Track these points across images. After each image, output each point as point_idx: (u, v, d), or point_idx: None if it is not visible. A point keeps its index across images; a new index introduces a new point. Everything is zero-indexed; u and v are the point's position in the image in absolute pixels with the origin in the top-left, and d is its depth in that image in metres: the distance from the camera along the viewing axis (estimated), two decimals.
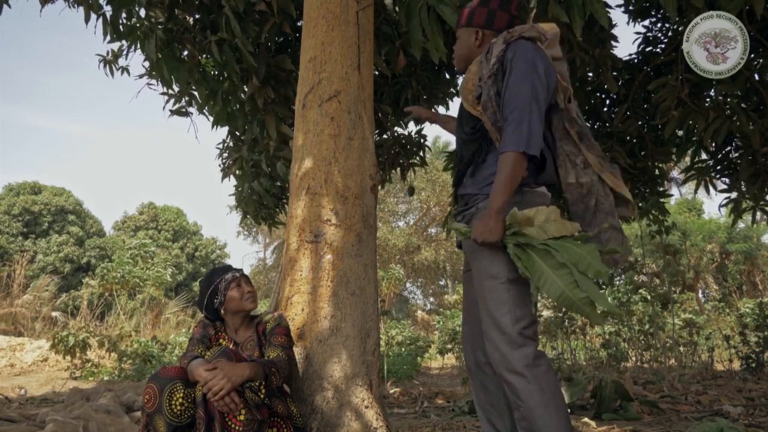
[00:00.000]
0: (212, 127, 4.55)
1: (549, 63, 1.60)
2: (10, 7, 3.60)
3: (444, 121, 2.21)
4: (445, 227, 4.90)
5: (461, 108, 1.79)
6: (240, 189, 5.19)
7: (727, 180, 4.57)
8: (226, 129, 4.96)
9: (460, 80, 5.15)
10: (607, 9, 3.64)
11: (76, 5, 3.77)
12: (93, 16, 3.70)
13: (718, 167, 4.54)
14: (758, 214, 4.40)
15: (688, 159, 4.81)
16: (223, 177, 5.29)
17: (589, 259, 1.44)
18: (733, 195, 4.48)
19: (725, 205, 4.53)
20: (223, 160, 5.30)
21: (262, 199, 4.81)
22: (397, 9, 3.38)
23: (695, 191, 4.74)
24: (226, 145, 5.30)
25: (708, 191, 4.59)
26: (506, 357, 1.51)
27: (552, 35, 1.65)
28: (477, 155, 1.69)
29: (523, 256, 1.49)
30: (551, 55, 1.63)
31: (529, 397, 1.47)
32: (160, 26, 3.56)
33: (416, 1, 2.55)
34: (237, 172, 5.14)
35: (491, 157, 1.66)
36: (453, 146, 5.36)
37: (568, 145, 1.66)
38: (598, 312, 1.41)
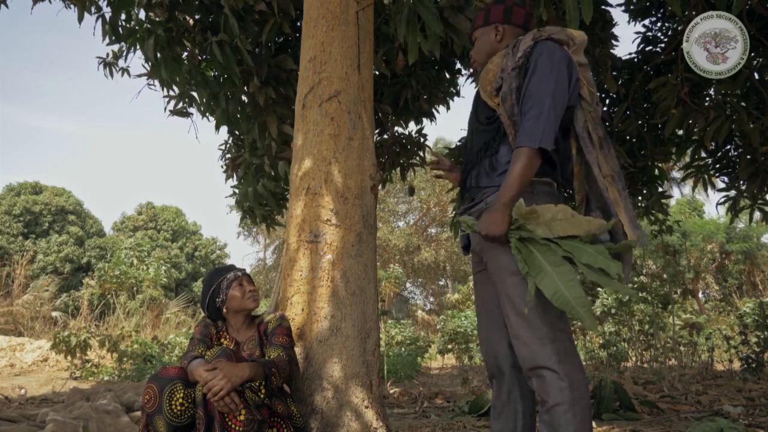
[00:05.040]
0: (216, 130, 4.55)
1: (574, 67, 1.61)
2: (7, 7, 3.60)
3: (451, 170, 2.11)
4: (453, 225, 4.88)
5: (477, 97, 1.78)
6: (239, 191, 5.18)
7: (726, 179, 4.57)
8: (228, 130, 4.97)
9: (460, 80, 5.17)
10: (607, 8, 3.65)
11: (71, 5, 3.76)
12: (93, 17, 3.70)
13: (717, 165, 4.54)
14: (757, 213, 4.40)
15: (687, 157, 4.82)
16: (227, 178, 5.29)
17: (596, 255, 1.42)
18: (732, 193, 4.49)
19: (723, 203, 4.54)
20: (226, 161, 5.30)
21: (264, 201, 4.80)
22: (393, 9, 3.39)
23: (693, 188, 4.74)
24: (228, 146, 5.30)
25: (706, 189, 4.60)
26: (537, 353, 1.49)
27: (580, 42, 1.66)
28: (490, 146, 1.69)
29: (524, 251, 1.47)
30: (577, 60, 1.64)
31: (558, 394, 1.45)
32: (161, 26, 3.55)
33: (400, 2, 2.56)
34: (236, 174, 5.13)
35: (504, 149, 1.66)
36: (453, 147, 5.37)
37: (588, 151, 1.62)
38: (592, 315, 1.39)
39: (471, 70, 4.26)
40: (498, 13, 1.78)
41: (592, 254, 1.42)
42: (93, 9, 3.67)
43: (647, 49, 4.31)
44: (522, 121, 1.55)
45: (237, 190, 5.17)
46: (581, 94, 1.64)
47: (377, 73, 4.14)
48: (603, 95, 4.58)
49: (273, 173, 4.50)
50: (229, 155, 5.27)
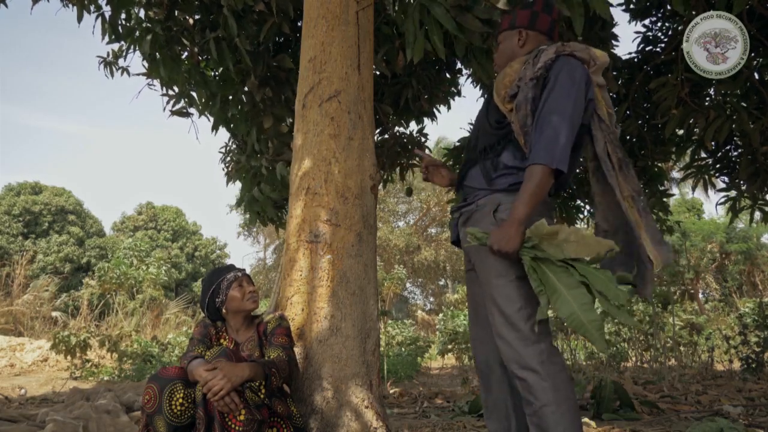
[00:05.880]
0: (212, 130, 4.53)
1: (590, 88, 1.60)
2: (7, 7, 3.60)
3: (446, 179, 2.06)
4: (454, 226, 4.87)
5: (490, 98, 1.78)
6: (242, 195, 5.17)
7: (726, 179, 4.57)
8: (230, 132, 4.96)
9: (461, 80, 5.16)
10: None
11: (70, 5, 3.75)
12: (92, 16, 3.70)
13: (718, 165, 4.54)
14: (757, 213, 4.40)
15: (687, 157, 4.82)
16: (228, 181, 5.29)
17: (607, 282, 1.44)
18: (732, 193, 4.48)
19: (723, 203, 4.54)
20: (226, 164, 5.29)
21: (262, 206, 4.78)
22: (396, 9, 3.38)
23: (693, 189, 4.74)
24: (228, 148, 5.29)
25: (707, 189, 4.61)
26: (520, 354, 1.51)
27: (601, 63, 1.65)
28: (493, 149, 1.68)
29: (538, 270, 1.47)
30: (596, 82, 1.64)
31: (543, 394, 1.47)
32: (159, 24, 3.55)
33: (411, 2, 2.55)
34: (237, 180, 5.12)
35: (507, 154, 1.66)
36: (452, 147, 5.36)
37: (609, 174, 1.60)
38: (605, 338, 1.42)
39: (471, 70, 4.25)
40: (524, 17, 1.76)
41: (605, 282, 1.45)
42: (92, 8, 3.66)
43: (647, 49, 4.31)
44: (538, 136, 1.53)
45: (241, 195, 5.16)
46: (599, 114, 1.62)
47: (377, 73, 4.14)
48: None
49: (270, 177, 4.49)
50: (229, 158, 5.27)
